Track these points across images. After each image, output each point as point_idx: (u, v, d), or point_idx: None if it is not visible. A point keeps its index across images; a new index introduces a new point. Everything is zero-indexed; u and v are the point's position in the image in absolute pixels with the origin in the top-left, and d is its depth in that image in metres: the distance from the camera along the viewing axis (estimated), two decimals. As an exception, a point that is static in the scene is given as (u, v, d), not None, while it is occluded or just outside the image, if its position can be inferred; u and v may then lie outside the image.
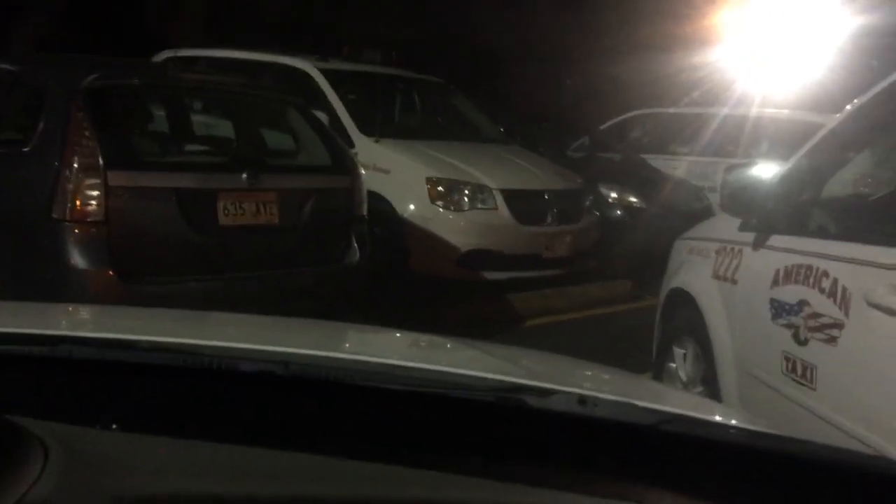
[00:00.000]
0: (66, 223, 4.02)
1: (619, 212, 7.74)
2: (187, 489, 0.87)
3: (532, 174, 6.78)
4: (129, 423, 0.97)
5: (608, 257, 7.16)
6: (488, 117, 7.90)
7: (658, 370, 3.92)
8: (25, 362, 1.10)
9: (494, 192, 6.31)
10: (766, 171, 3.53)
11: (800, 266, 2.82)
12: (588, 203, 7.01)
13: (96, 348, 1.13)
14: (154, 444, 0.94)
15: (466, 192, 6.26)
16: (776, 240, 3.08)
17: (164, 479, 0.89)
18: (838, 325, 2.57)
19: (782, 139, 8.27)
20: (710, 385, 3.41)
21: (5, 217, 4.31)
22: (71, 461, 0.84)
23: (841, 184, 3.33)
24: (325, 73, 7.05)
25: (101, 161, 4.04)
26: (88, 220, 4.03)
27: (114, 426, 0.95)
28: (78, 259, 4.01)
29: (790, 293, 2.84)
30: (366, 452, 0.95)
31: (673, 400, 1.61)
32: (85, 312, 1.91)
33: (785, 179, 3.24)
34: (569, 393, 1.03)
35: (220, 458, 0.94)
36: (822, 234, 3.02)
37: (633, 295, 7.07)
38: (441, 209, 6.21)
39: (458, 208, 6.25)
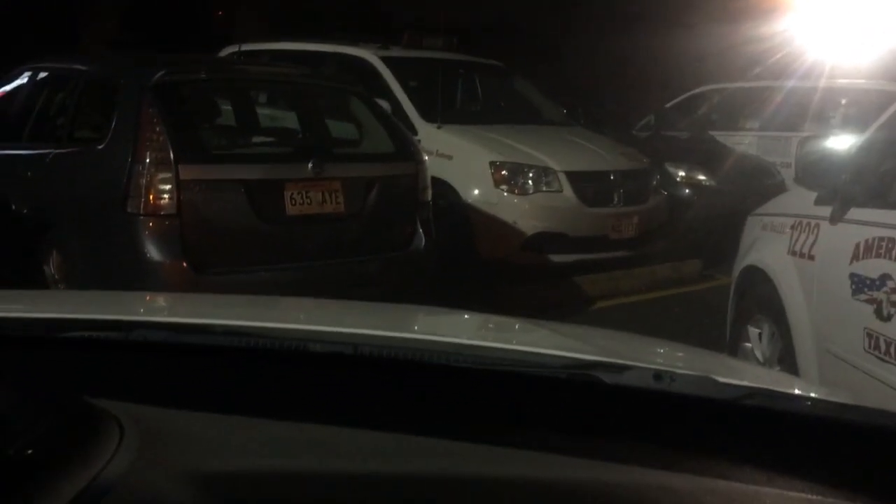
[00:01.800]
0: (140, 217, 4.13)
1: (687, 190, 7.58)
2: (260, 466, 0.88)
3: (597, 155, 6.69)
4: (202, 403, 0.98)
5: (677, 237, 7.02)
6: (550, 99, 7.81)
7: (732, 351, 3.83)
8: (104, 347, 1.13)
9: (559, 174, 6.24)
10: (842, 142, 3.41)
11: (881, 239, 2.72)
12: (655, 182, 6.89)
13: (170, 332, 1.15)
14: (226, 423, 0.95)
15: (531, 175, 6.21)
16: (855, 213, 2.97)
17: (236, 456, 0.90)
18: (924, 299, 2.47)
19: (856, 110, 7.99)
20: (787, 364, 3.32)
21: (82, 212, 4.45)
22: (146, 440, 0.86)
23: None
24: (387, 60, 7.06)
25: (172, 155, 4.14)
26: (161, 213, 4.13)
27: (187, 406, 0.97)
28: (152, 251, 4.11)
29: (871, 267, 2.74)
30: (437, 430, 0.94)
31: (752, 375, 1.57)
32: (158, 299, 1.96)
33: (863, 150, 3.13)
34: (644, 368, 1.01)
35: (291, 436, 0.94)
36: (904, 205, 2.90)
37: (704, 275, 6.92)
38: (505, 193, 6.17)
39: (523, 192, 6.20)
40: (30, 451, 0.78)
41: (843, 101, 8.56)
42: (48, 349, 1.13)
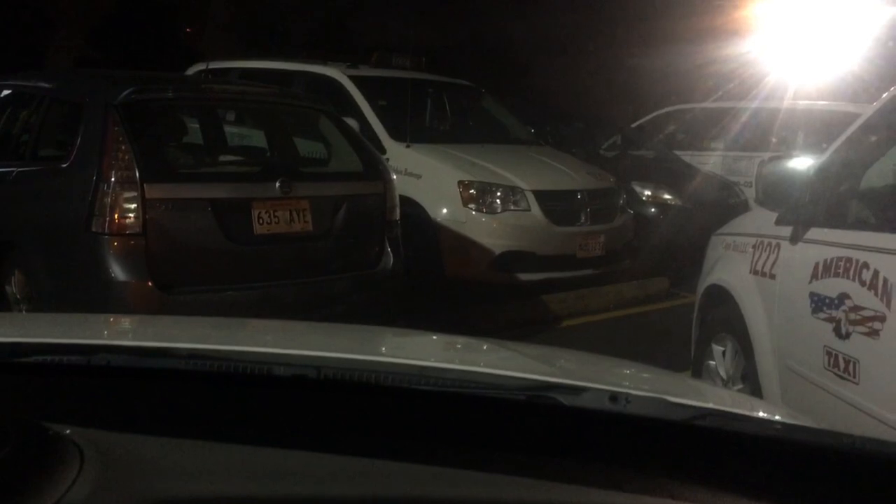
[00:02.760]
0: (105, 236, 4.09)
1: (653, 209, 7.69)
2: (222, 491, 0.89)
3: (564, 174, 6.75)
4: (164, 428, 0.99)
5: (643, 256, 7.10)
6: (518, 119, 7.88)
7: (697, 368, 3.88)
8: (64, 371, 1.12)
9: (527, 193, 6.30)
10: (802, 163, 3.48)
11: (839, 259, 2.78)
12: (622, 202, 6.97)
13: (133, 356, 1.15)
14: (189, 448, 0.96)
15: (499, 194, 6.25)
16: (814, 233, 3.03)
17: (199, 482, 0.90)
18: (880, 318, 2.52)
19: (817, 131, 8.15)
20: (750, 382, 3.37)
21: (46, 231, 4.39)
22: (107, 465, 0.86)
23: (879, 174, 3.27)
24: (355, 80, 7.09)
25: (137, 174, 4.11)
26: (126, 232, 4.09)
27: (149, 431, 0.97)
28: (117, 271, 4.07)
29: (830, 286, 2.80)
30: (399, 452, 0.95)
31: (712, 396, 1.60)
32: (122, 322, 1.95)
33: (822, 171, 3.20)
34: (600, 390, 1.03)
35: (255, 461, 0.95)
36: (861, 225, 2.97)
37: (670, 293, 7.01)
38: (474, 212, 6.21)
39: (491, 211, 6.24)
40: None
41: (805, 123, 8.74)
42: (8, 374, 1.13)
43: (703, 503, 0.87)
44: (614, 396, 0.98)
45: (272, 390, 1.11)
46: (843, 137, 3.21)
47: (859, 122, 3.16)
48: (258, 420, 1.03)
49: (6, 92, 5.47)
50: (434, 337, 1.71)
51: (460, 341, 1.63)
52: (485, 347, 1.62)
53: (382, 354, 1.42)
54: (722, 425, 0.97)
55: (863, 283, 2.63)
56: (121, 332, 1.64)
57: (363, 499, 0.89)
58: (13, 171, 4.78)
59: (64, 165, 4.40)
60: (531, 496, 0.89)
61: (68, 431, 0.90)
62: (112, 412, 1.02)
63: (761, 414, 1.18)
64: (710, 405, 1.11)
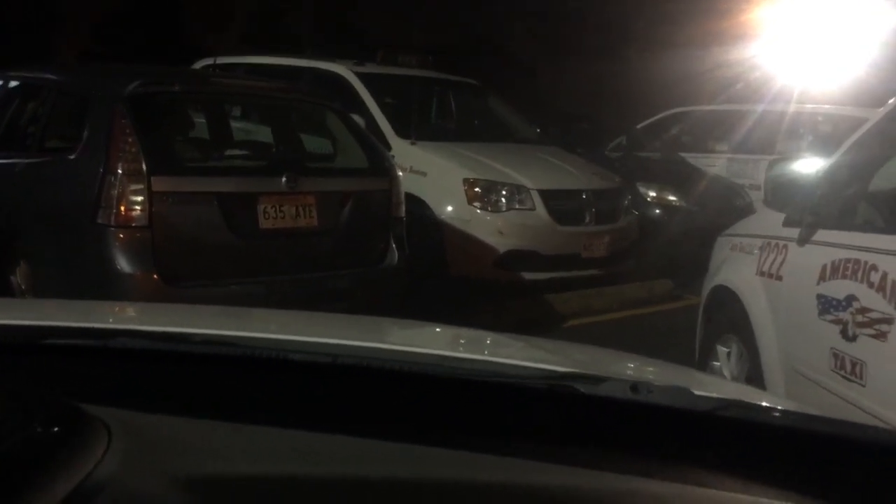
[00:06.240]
0: (111, 228, 4.10)
1: (658, 211, 7.68)
2: (246, 471, 0.89)
3: (569, 174, 6.75)
4: (184, 409, 0.99)
5: (648, 257, 7.10)
6: (524, 118, 7.88)
7: (701, 369, 3.87)
8: (83, 354, 1.13)
9: (532, 192, 6.30)
10: (810, 166, 3.49)
11: (847, 261, 2.78)
12: (627, 202, 6.97)
13: (150, 341, 1.16)
14: (213, 430, 0.96)
15: (504, 192, 6.25)
16: (822, 235, 3.03)
17: (226, 461, 0.91)
18: (888, 320, 2.52)
19: (824, 135, 8.15)
20: (755, 383, 3.37)
21: (51, 222, 4.40)
22: (133, 444, 0.87)
23: (887, 177, 3.27)
24: (362, 76, 7.09)
25: (144, 167, 4.11)
26: (133, 224, 4.10)
27: (171, 413, 0.97)
28: (123, 263, 4.08)
29: (838, 288, 2.80)
30: (418, 438, 0.95)
31: (723, 389, 1.60)
32: (134, 308, 1.95)
33: (830, 174, 3.20)
34: (621, 380, 1.03)
35: (274, 442, 0.95)
36: (869, 227, 2.97)
37: (674, 294, 7.00)
38: (478, 210, 6.21)
39: (496, 209, 6.24)
40: (21, 452, 0.78)
41: (811, 126, 8.74)
42: (28, 356, 1.13)
43: (732, 490, 0.87)
44: (635, 386, 0.98)
45: (288, 377, 1.12)
46: (851, 140, 3.21)
47: (868, 125, 3.17)
48: (276, 405, 1.04)
49: (14, 84, 5.48)
50: (446, 329, 1.71)
51: (473, 334, 1.63)
52: (497, 340, 1.62)
53: (398, 344, 1.43)
54: (745, 416, 0.97)
55: (871, 286, 2.63)
56: (134, 318, 1.65)
57: (384, 480, 0.90)
58: (19, 162, 4.79)
59: (71, 157, 4.41)
60: (553, 481, 0.89)
61: (94, 410, 0.91)
62: (132, 394, 1.02)
63: (780, 406, 1.19)
64: (731, 396, 1.11)
